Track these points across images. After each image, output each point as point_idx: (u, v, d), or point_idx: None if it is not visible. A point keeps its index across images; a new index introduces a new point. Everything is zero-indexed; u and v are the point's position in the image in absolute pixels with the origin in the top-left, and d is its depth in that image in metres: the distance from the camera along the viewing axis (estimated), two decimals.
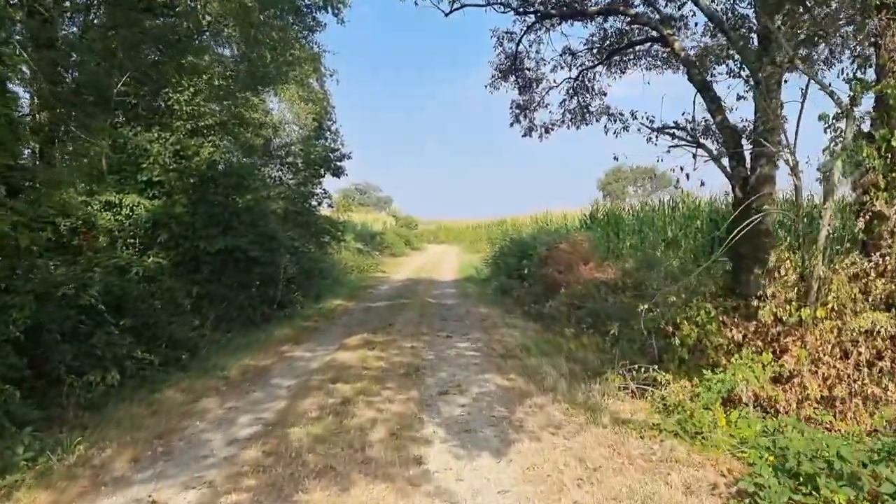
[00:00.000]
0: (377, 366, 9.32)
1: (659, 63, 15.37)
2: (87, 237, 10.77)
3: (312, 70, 24.77)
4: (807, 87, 7.66)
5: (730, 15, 9.40)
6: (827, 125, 6.71)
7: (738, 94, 9.91)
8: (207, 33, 14.48)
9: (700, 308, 8.12)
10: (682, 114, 9.83)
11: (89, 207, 10.59)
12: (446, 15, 13.92)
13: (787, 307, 7.02)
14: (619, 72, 15.37)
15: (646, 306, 7.51)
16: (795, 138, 7.72)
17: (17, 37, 11.81)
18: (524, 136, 16.21)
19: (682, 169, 8.95)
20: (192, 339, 9.77)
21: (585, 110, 15.68)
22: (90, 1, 12.88)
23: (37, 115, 12.27)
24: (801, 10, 7.77)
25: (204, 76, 11.95)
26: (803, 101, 7.61)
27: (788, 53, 7.16)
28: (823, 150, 6.78)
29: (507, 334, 11.98)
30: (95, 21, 12.18)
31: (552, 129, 16.01)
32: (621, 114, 14.92)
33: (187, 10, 13.11)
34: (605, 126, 12.75)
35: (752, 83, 9.16)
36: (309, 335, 12.32)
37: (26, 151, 12.32)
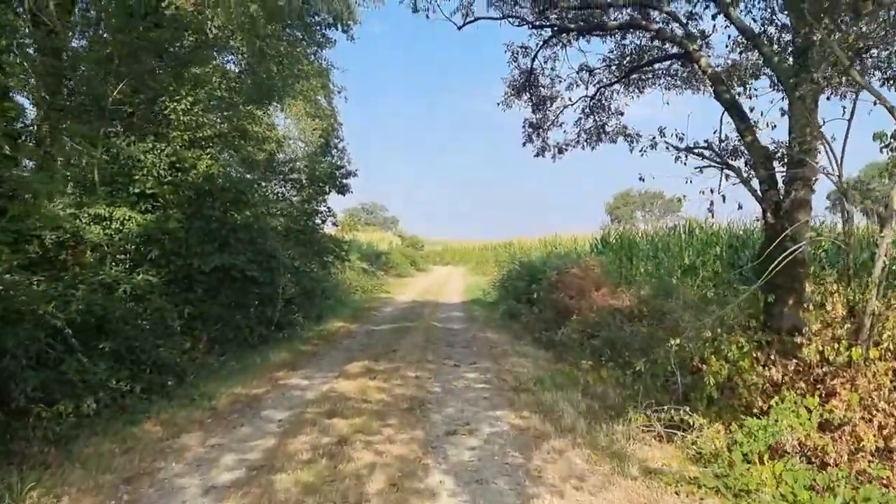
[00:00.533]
0: (378, 398, 8.60)
1: (678, 82, 14.80)
2: (75, 252, 10.18)
3: (320, 86, 24.42)
4: (854, 103, 7.05)
5: (766, 28, 8.75)
6: (884, 145, 6.03)
7: (764, 113, 9.26)
8: (212, 44, 14.01)
9: (731, 342, 7.43)
10: (714, 132, 9.16)
11: (77, 220, 9.98)
12: (459, 28, 13.38)
13: (835, 345, 6.32)
14: (637, 91, 14.80)
15: (677, 341, 6.80)
16: (842, 160, 7.09)
17: (27, 49, 11.41)
18: (536, 155, 15.63)
19: (712, 191, 8.31)
20: (180, 364, 9.07)
21: (601, 130, 15.10)
22: (99, 15, 12.44)
23: (38, 126, 11.79)
24: (850, 17, 7.13)
25: (205, 86, 11.37)
26: (850, 118, 6.99)
27: (844, 64, 6.50)
28: (881, 173, 6.10)
29: (518, 363, 11.26)
30: (105, 35, 11.72)
31: (566, 149, 15.44)
32: (639, 134, 14.33)
33: (194, 21, 12.64)
34: (631, 144, 12.06)
35: (787, 101, 8.53)
36: (307, 360, 11.62)
37: (29, 164, 11.84)
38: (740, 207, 8.11)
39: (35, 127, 11.33)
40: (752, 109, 7.81)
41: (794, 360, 6.86)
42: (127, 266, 10.22)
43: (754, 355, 7.37)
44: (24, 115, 11.44)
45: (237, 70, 15.61)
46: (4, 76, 9.81)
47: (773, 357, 7.22)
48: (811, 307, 7.60)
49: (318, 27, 23.17)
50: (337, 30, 23.51)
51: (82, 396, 6.78)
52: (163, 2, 11.89)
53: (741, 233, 17.02)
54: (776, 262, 6.79)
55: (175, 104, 10.69)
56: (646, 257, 19.66)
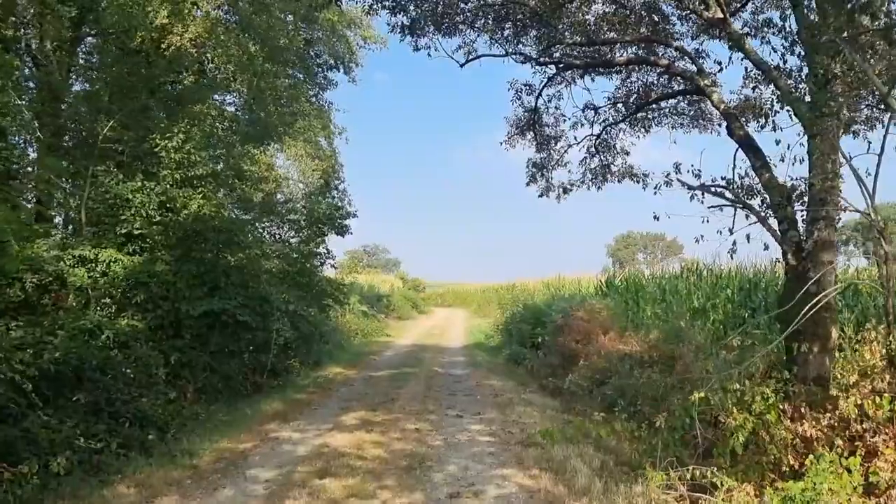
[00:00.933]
0: (375, 454, 7.97)
1: (686, 121, 14.47)
2: (57, 296, 9.71)
3: (321, 127, 24.26)
4: (885, 137, 6.63)
5: (785, 58, 8.35)
6: None
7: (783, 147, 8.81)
8: (210, 83, 13.78)
9: (755, 392, 6.86)
10: (734, 167, 8.71)
11: (61, 262, 9.51)
12: (461, 66, 13.08)
13: (876, 399, 5.78)
14: (643, 130, 14.46)
15: (701, 394, 6.24)
16: (873, 197, 6.64)
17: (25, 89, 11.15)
18: (540, 196, 15.24)
19: (731, 231, 7.82)
20: (163, 416, 8.47)
21: (607, 170, 14.72)
22: (104, 58, 12.21)
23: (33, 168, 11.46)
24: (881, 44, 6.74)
25: (198, 123, 11.00)
26: (881, 152, 6.56)
27: (882, 91, 6.08)
28: None
29: (525, 413, 10.65)
30: (107, 79, 11.47)
31: (571, 190, 15.05)
32: (645, 174, 13.97)
33: (193, 61, 12.41)
34: (638, 183, 11.64)
35: (806, 136, 8.09)
36: (301, 410, 11.02)
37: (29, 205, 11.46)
38: (766, 248, 7.63)
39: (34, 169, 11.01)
40: (778, 142, 7.34)
41: (828, 414, 6.30)
42: (112, 311, 9.72)
43: (780, 407, 6.81)
44: (22, 155, 11.15)
45: (234, 109, 15.37)
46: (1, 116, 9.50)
47: (803, 410, 6.67)
48: (845, 354, 7.08)
49: (319, 69, 23.14)
50: (339, 71, 23.55)
51: (51, 455, 6.21)
52: (163, 42, 11.65)
53: (751, 275, 16.52)
54: (808, 308, 6.27)
55: (166, 141, 10.28)
56: (653, 300, 19.12)
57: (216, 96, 15.06)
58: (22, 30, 11.93)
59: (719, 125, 13.60)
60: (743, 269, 16.87)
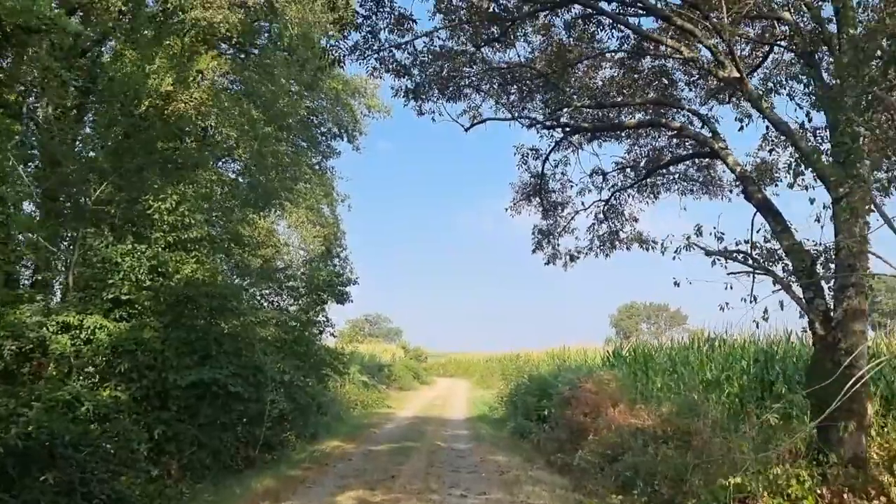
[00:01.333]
0: None
1: (695, 188, 14.23)
2: (38, 365, 9.20)
3: (324, 194, 24.14)
4: None
5: (809, 116, 8.05)
6: None
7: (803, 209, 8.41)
8: (210, 143, 13.62)
9: (789, 475, 6.27)
10: (758, 230, 8.31)
11: (44, 329, 9.02)
12: (466, 130, 12.96)
13: None
14: (652, 196, 14.22)
15: (737, 479, 5.66)
16: None
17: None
18: (547, 263, 14.93)
19: (754, 298, 7.35)
20: (143, 497, 7.83)
21: (615, 236, 14.40)
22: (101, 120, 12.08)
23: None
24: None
25: (192, 184, 10.68)
26: None
27: None
28: None
29: (533, 493, 9.96)
30: (104, 144, 11.34)
31: (578, 257, 14.72)
32: (654, 241, 13.64)
33: (195, 126, 12.25)
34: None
35: (830, 198, 7.69)
36: (294, 488, 10.30)
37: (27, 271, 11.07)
38: (802, 317, 7.13)
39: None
40: (812, 201, 6.93)
41: (874, 502, 5.70)
42: (95, 380, 9.17)
43: (818, 491, 6.21)
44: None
45: (234, 175, 15.16)
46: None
47: (845, 496, 6.07)
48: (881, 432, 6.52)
49: (323, 137, 23.16)
50: (343, 140, 23.58)
51: None
52: (167, 109, 11.52)
53: (764, 345, 15.95)
54: (848, 386, 5.74)
55: (160, 203, 9.92)
56: (662, 371, 18.51)
57: (219, 163, 14.91)
58: (24, 96, 11.81)
59: (730, 191, 13.38)
60: (756, 339, 16.35)
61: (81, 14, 12.47)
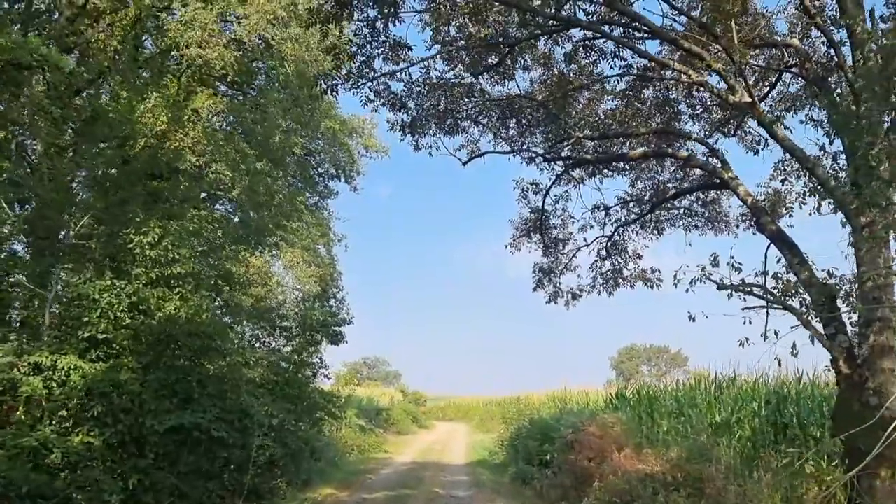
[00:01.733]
0: None
1: (700, 223, 13.82)
2: (9, 408, 8.64)
3: (320, 235, 23.81)
4: None
5: (830, 142, 7.66)
6: None
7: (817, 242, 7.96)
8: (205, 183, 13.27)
9: None
10: (765, 264, 7.86)
11: (14, 370, 8.48)
12: (464, 164, 12.58)
13: None
14: (655, 232, 13.81)
15: None
16: None
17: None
18: (548, 302, 14.46)
19: (776, 334, 6.86)
20: None
21: (618, 274, 13.94)
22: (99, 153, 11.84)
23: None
24: None
25: (176, 216, 10.25)
26: None
27: None
28: None
29: None
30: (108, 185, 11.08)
31: (580, 296, 14.25)
32: (660, 279, 13.22)
33: (191, 165, 11.94)
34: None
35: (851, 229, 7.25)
36: None
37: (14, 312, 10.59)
38: (815, 356, 6.62)
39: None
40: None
41: None
42: (68, 424, 8.59)
43: None
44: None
45: (225, 210, 14.78)
46: None
47: None
48: None
49: (320, 178, 22.91)
50: (340, 180, 23.35)
51: None
52: (161, 148, 11.23)
53: (772, 386, 15.38)
54: (888, 433, 5.21)
55: (141, 237, 9.46)
56: (668, 413, 17.90)
57: (213, 202, 14.59)
58: (13, 134, 11.50)
59: (737, 226, 12.98)
60: (766, 379, 15.80)
61: (77, 55, 12.30)
